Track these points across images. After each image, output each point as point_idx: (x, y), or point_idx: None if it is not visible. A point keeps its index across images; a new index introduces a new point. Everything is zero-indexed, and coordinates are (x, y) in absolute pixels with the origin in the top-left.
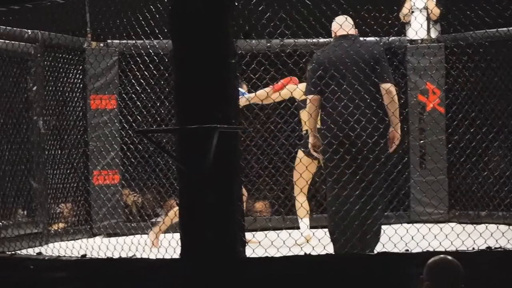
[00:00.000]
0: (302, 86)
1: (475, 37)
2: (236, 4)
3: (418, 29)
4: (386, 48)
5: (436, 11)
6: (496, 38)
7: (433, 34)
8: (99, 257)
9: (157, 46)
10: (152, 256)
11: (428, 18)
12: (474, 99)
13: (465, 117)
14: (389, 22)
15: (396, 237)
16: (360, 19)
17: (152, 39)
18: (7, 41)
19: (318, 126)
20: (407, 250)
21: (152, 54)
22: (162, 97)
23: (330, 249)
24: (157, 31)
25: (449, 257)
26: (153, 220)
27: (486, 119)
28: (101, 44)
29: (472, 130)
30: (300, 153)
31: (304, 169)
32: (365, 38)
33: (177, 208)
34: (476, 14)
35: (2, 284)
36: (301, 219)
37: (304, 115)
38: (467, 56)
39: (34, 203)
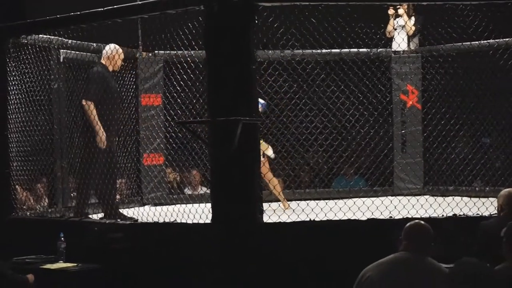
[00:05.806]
0: None
1: (445, 49)
2: (256, 21)
3: (400, 42)
4: (375, 57)
5: (412, 29)
6: (462, 50)
7: (412, 47)
8: (148, 221)
9: (194, 55)
10: (189, 221)
11: (408, 34)
12: (444, 98)
13: (437, 112)
14: (378, 36)
15: (382, 207)
16: (355, 34)
17: (190, 49)
18: (77, 52)
19: None
20: (391, 216)
21: (190, 61)
22: (198, 95)
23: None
24: (194, 43)
25: (422, 222)
26: (190, 193)
27: (453, 113)
28: (150, 54)
29: (442, 122)
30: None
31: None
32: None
33: None
34: (446, 31)
35: (73, 242)
36: None
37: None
38: (438, 64)
39: None
